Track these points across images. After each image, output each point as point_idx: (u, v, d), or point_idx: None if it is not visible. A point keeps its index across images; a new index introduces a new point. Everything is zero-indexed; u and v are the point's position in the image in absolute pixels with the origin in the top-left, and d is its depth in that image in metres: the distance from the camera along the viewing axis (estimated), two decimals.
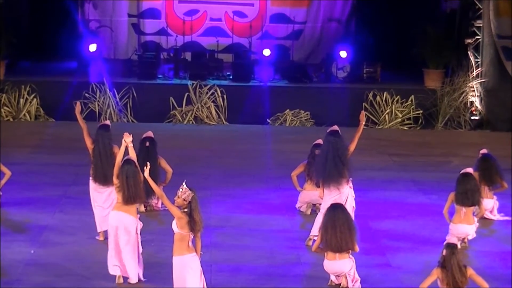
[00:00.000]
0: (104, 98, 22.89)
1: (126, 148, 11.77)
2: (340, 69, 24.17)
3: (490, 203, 14.73)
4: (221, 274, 12.25)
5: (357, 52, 24.10)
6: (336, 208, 11.68)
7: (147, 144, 14.66)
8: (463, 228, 13.51)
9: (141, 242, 11.85)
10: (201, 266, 10.83)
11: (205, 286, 10.79)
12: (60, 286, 11.64)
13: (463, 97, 23.14)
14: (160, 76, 24.04)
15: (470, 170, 13.72)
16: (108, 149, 13.26)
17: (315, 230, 12.78)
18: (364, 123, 13.52)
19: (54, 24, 24.30)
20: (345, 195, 13.05)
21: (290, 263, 12.75)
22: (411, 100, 23.13)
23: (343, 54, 24.01)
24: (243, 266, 12.60)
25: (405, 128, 22.90)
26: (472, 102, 23.29)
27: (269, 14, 25.68)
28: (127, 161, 11.76)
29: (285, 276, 12.30)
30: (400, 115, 23.03)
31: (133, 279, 11.73)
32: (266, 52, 24.08)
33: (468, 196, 13.46)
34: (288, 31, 25.41)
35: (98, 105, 22.86)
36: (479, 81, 23.20)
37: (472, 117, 23.24)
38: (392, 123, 22.98)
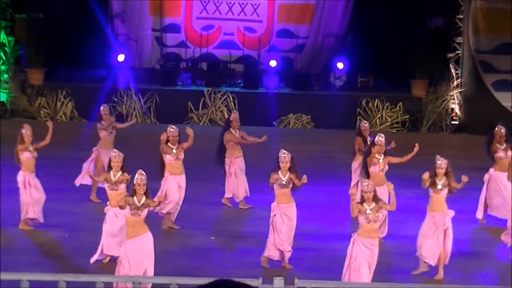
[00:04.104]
0: (130, 102, 23.06)
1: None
2: (338, 79, 24.28)
3: None
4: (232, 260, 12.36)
5: (352, 63, 24.23)
6: None
7: None
8: None
9: None
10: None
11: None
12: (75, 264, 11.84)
13: (445, 104, 23.25)
14: (180, 83, 24.17)
15: None
16: None
17: None
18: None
19: (88, 37, 24.37)
20: None
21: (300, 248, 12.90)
22: (399, 107, 23.26)
23: (340, 65, 24.13)
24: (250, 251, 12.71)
25: (394, 131, 22.99)
26: (452, 109, 23.39)
27: (276, 30, 25.75)
28: None
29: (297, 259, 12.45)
30: (390, 120, 23.15)
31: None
32: (273, 63, 24.20)
33: None
34: (292, 45, 25.50)
35: (125, 108, 23.03)
36: (459, 90, 23.30)
37: (453, 122, 23.35)
38: (382, 127, 23.08)
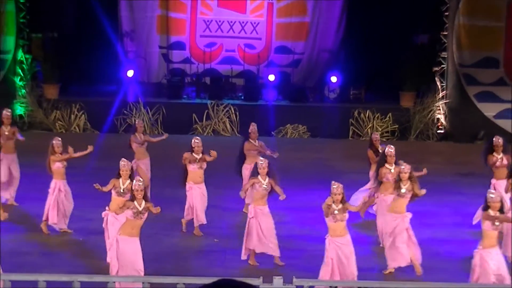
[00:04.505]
0: (139, 114, 23.06)
1: None
2: (331, 91, 24.29)
3: None
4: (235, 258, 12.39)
5: (345, 77, 24.20)
6: None
7: None
8: None
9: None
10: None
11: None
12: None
13: (431, 115, 23.25)
14: (185, 96, 24.18)
15: None
16: None
17: None
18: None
19: (99, 54, 24.41)
20: None
21: (294, 249, 12.92)
22: (389, 117, 23.26)
23: (333, 79, 24.14)
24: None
25: (384, 140, 22.90)
26: (438, 119, 23.40)
27: (274, 46, 25.76)
28: None
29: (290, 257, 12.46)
30: (380, 129, 23.11)
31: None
32: (271, 77, 24.19)
33: None
34: (289, 60, 25.48)
35: (134, 120, 22.96)
36: (444, 101, 23.32)
37: (438, 131, 23.35)
38: None
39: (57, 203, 13.69)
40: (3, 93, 22.80)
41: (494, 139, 14.57)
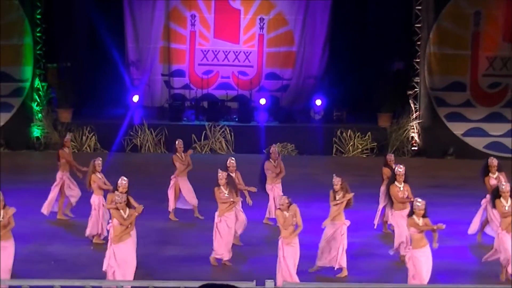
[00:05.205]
0: (144, 135, 23.09)
1: None
2: (317, 113, 24.34)
3: None
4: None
5: (329, 100, 24.26)
6: None
7: None
8: None
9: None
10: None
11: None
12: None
13: (406, 133, 23.34)
14: (185, 119, 24.21)
15: None
16: None
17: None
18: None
19: (108, 81, 24.46)
20: None
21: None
22: (368, 136, 23.31)
23: (318, 102, 24.19)
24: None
25: (364, 156, 23.08)
26: (412, 137, 23.48)
27: (265, 73, 25.80)
28: None
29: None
30: (360, 147, 23.20)
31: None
32: (262, 101, 24.26)
33: None
34: (278, 85, 25.53)
35: (140, 140, 23.06)
36: (417, 121, 23.42)
37: (413, 148, 23.41)
38: (354, 153, 23.16)
39: (101, 216, 13.83)
40: (22, 117, 22.96)
41: (488, 160, 14.21)
